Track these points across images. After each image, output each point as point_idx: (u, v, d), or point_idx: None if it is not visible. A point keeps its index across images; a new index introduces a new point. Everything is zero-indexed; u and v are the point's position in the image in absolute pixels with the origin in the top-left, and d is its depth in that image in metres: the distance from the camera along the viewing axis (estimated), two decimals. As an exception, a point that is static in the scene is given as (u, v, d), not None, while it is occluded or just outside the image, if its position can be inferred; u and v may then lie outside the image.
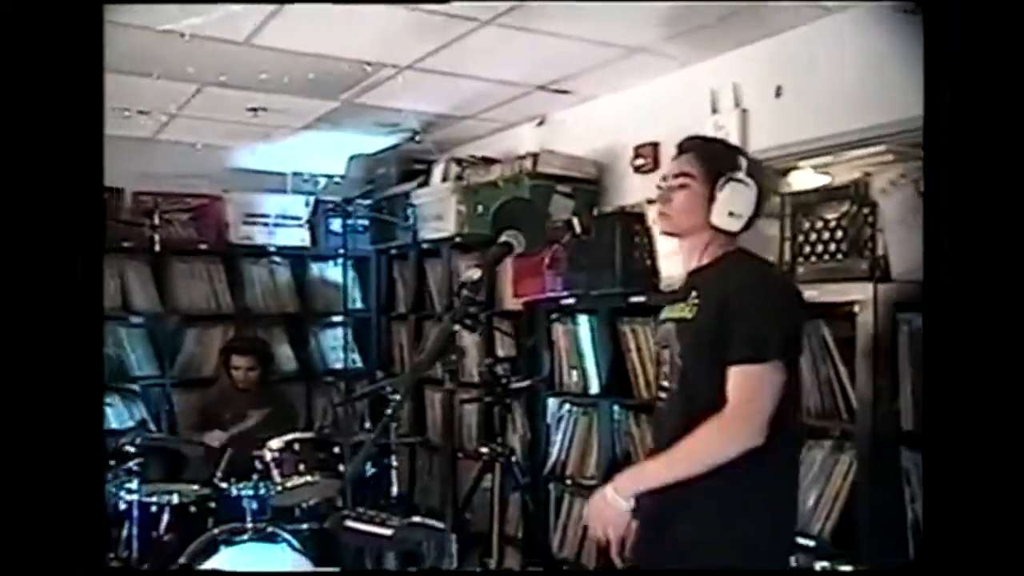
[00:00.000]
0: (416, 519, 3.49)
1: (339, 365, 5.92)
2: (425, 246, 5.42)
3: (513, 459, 3.77)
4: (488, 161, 5.09)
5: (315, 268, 6.10)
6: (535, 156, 4.40)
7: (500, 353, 4.73)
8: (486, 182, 4.78)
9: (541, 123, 5.04)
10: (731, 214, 2.19)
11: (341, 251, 5.74)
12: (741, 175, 2.20)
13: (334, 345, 6.07)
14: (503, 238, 2.06)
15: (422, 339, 5.39)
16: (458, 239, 5.09)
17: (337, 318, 6.05)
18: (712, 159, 2.25)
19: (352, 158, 5.86)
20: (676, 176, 2.24)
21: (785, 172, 3.62)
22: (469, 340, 4.74)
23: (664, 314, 2.31)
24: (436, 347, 1.88)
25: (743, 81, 3.81)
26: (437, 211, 5.21)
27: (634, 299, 3.77)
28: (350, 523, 3.41)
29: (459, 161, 5.26)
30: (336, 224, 5.90)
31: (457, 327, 1.89)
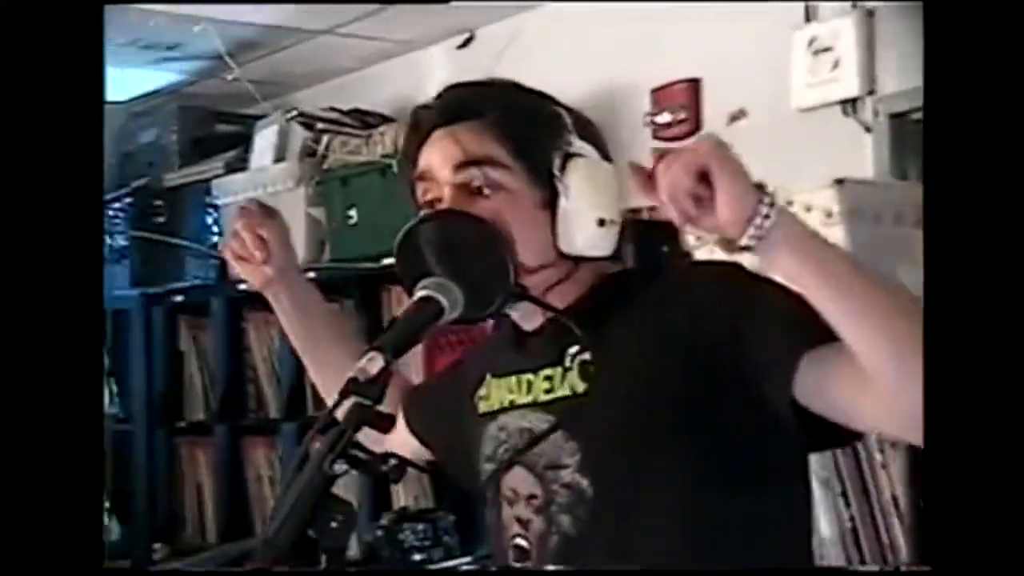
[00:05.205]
0: None
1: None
2: (245, 287, 3.80)
3: None
4: (364, 120, 3.61)
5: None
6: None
7: (403, 503, 3.42)
8: (366, 162, 3.50)
9: (468, 42, 3.67)
10: (601, 222, 1.41)
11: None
12: (577, 144, 1.43)
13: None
14: (421, 291, 1.30)
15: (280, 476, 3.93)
16: (312, 274, 3.46)
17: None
18: (525, 125, 1.44)
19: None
20: (465, 165, 1.41)
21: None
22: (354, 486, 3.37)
23: (497, 403, 1.51)
24: (303, 503, 1.21)
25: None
26: (267, 219, 3.51)
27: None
28: None
29: (307, 120, 3.70)
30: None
31: (342, 467, 1.18)
